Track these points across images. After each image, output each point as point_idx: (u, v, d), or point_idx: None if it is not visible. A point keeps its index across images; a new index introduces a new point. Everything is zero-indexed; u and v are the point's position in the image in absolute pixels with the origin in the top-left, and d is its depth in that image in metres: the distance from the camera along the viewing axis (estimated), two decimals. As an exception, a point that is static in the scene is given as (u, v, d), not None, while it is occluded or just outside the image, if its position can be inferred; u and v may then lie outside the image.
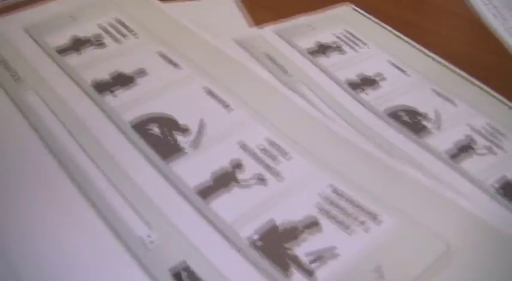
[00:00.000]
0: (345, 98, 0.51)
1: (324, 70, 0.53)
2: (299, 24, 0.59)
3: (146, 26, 0.55)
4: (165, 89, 0.49)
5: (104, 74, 0.48)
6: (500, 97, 0.53)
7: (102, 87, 0.47)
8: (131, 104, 0.47)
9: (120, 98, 0.47)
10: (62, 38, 0.51)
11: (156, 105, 0.47)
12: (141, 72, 0.49)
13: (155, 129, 0.45)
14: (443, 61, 0.56)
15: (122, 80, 0.48)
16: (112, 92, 0.47)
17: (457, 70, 0.55)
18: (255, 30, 0.58)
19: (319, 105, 0.49)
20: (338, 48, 0.56)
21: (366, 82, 0.53)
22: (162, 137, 0.44)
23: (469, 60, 0.57)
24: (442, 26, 0.64)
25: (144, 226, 0.38)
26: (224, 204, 0.40)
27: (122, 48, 0.52)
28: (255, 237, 0.38)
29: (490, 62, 0.59)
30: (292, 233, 0.39)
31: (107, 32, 0.53)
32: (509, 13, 0.67)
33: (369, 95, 0.51)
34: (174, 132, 0.45)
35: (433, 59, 0.57)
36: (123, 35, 0.53)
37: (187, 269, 0.36)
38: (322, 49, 0.56)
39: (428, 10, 0.67)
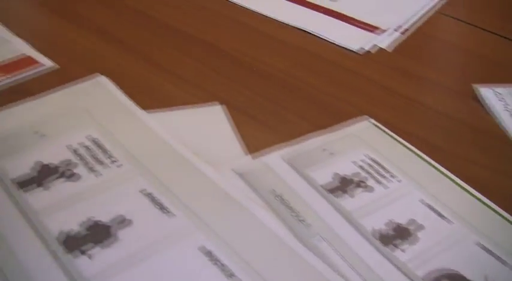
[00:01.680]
0: (376, 259, 0.40)
1: (347, 217, 0.43)
2: (312, 149, 0.49)
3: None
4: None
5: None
6: None
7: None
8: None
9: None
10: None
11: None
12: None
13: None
14: (489, 202, 0.45)
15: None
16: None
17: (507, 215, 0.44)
18: (259, 157, 0.47)
19: (342, 270, 0.39)
20: (362, 184, 0.46)
21: (400, 234, 0.42)
22: None
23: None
24: (476, 149, 0.51)
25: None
26: None
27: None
28: None
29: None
30: None
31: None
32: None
33: (406, 252, 0.41)
34: None
35: (477, 198, 0.45)
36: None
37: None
38: (343, 185, 0.45)
39: (459, 132, 0.54)
